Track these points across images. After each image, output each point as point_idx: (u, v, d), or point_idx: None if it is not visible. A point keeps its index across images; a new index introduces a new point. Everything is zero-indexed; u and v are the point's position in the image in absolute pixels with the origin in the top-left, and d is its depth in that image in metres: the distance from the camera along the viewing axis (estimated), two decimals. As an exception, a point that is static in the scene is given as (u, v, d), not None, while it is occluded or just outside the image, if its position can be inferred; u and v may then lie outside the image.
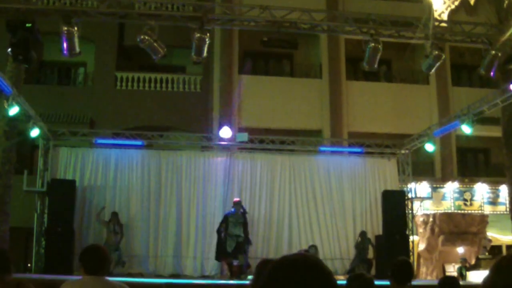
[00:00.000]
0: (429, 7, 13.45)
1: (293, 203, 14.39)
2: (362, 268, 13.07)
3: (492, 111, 12.08)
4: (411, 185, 14.92)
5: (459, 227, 16.00)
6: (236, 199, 13.01)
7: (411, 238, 14.28)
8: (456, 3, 17.83)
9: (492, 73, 9.72)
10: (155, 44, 8.97)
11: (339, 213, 14.49)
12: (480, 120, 12.20)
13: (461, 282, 6.11)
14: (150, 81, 18.08)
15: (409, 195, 14.71)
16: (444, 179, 18.10)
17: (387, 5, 17.68)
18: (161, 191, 14.03)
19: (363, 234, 13.79)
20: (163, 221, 13.87)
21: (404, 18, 10.34)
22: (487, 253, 15.11)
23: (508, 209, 16.84)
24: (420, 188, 16.22)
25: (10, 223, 12.17)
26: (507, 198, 16.59)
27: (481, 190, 17.89)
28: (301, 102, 18.03)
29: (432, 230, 16.12)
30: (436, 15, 15.95)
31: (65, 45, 8.73)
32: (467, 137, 13.73)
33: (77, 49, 8.87)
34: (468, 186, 17.96)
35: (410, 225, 14.53)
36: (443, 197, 17.65)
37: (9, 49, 8.49)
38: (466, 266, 14.58)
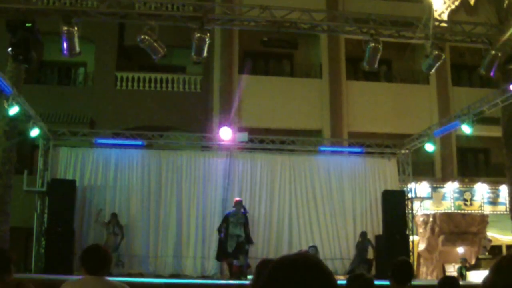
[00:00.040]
0: (429, 7, 13.46)
1: (293, 203, 14.39)
2: (362, 268, 13.06)
3: (492, 111, 12.08)
4: (411, 185, 14.92)
5: (459, 227, 16.00)
6: (237, 198, 12.98)
7: (411, 238, 14.28)
8: (456, 3, 17.83)
9: (492, 73, 9.72)
10: (155, 44, 8.97)
11: (339, 213, 14.49)
12: (480, 120, 12.20)
13: (461, 282, 6.12)
14: (150, 81, 18.08)
15: (409, 195, 14.71)
16: (444, 179, 18.10)
17: (387, 5, 17.68)
18: (161, 191, 14.03)
19: (363, 234, 13.79)
20: (163, 221, 13.87)
21: (404, 18, 10.34)
22: (487, 253, 15.11)
23: (508, 209, 16.84)
24: (420, 188, 16.22)
25: (10, 223, 12.17)
26: (507, 198, 16.59)
27: (481, 190, 17.89)
28: (301, 102, 18.03)
29: (432, 230, 16.12)
30: (436, 15, 15.96)
31: (65, 45, 8.73)
32: (467, 137, 13.73)
33: (77, 49, 8.87)
34: (468, 186, 17.96)
35: (410, 225, 14.53)
36: (443, 197, 17.65)
37: (9, 49, 8.49)
38: (466, 266, 14.58)
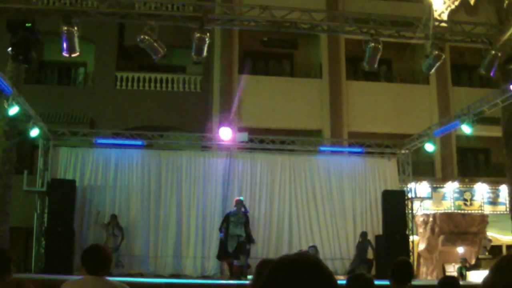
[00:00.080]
0: (429, 7, 13.46)
1: (293, 203, 14.38)
2: (362, 268, 13.06)
3: (492, 111, 12.08)
4: (411, 185, 14.92)
5: (459, 227, 15.99)
6: (238, 198, 12.98)
7: (411, 238, 14.28)
8: (456, 3, 17.83)
9: (492, 73, 9.72)
10: (155, 44, 8.97)
11: (339, 213, 14.49)
12: (480, 120, 12.20)
13: (461, 282, 6.11)
14: (150, 81, 18.08)
15: (409, 195, 14.71)
16: (444, 179, 18.10)
17: (387, 5, 17.68)
18: (161, 191, 14.03)
19: (363, 234, 13.79)
20: (163, 221, 13.87)
21: (404, 18, 10.34)
22: (487, 253, 15.11)
23: (508, 209, 16.84)
24: (420, 188, 16.22)
25: (10, 223, 12.16)
26: (507, 198, 16.59)
27: (481, 190, 17.89)
28: (301, 102, 18.03)
29: (432, 230, 16.11)
30: (436, 15, 15.96)
31: (65, 45, 8.73)
32: (467, 137, 13.73)
33: (77, 49, 8.87)
34: (468, 186, 17.96)
35: (410, 225, 14.53)
36: (443, 197, 17.65)
37: (9, 49, 8.49)
38: (466, 266, 14.58)
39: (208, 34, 8.96)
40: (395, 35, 10.04)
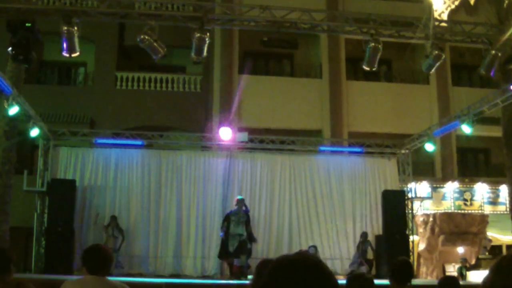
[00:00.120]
0: (429, 7, 13.45)
1: (293, 203, 14.39)
2: (362, 268, 13.07)
3: (492, 111, 12.08)
4: (411, 185, 14.92)
5: (459, 227, 15.98)
6: (239, 197, 12.97)
7: (411, 238, 14.28)
8: (456, 3, 17.82)
9: (492, 73, 9.72)
10: (155, 44, 8.97)
11: (339, 213, 14.49)
12: (480, 120, 12.20)
13: (461, 282, 6.11)
14: (150, 81, 18.08)
15: (409, 195, 14.71)
16: (444, 179, 18.10)
17: (387, 5, 17.68)
18: (161, 191, 14.03)
19: (364, 235, 13.80)
20: (163, 221, 13.87)
21: (404, 18, 10.34)
22: (487, 253, 15.11)
23: (508, 209, 16.84)
24: (420, 188, 16.22)
25: (10, 223, 12.17)
26: (507, 198, 16.59)
27: (481, 190, 17.89)
28: (301, 102, 18.02)
29: (432, 230, 16.10)
30: (436, 15, 15.94)
31: (65, 45, 8.73)
32: (467, 137, 13.73)
33: (77, 49, 8.87)
34: (468, 186, 17.96)
35: (410, 225, 14.53)
36: (443, 197, 17.65)
37: (9, 49, 8.49)
38: (466, 266, 14.58)
39: (208, 34, 8.96)
40: (395, 35, 10.04)
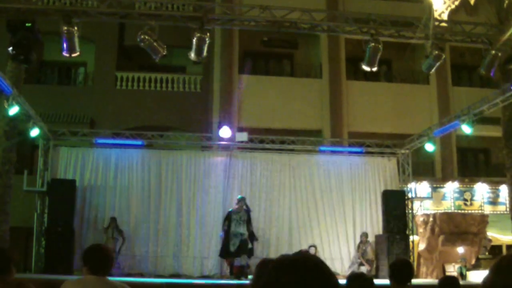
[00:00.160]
0: (429, 7, 13.45)
1: (293, 203, 14.39)
2: (362, 268, 13.07)
3: (492, 111, 12.08)
4: (411, 185, 14.92)
5: (459, 227, 15.97)
6: (239, 196, 12.96)
7: (411, 238, 14.29)
8: (456, 3, 17.81)
9: (492, 73, 9.72)
10: (155, 44, 8.97)
11: (339, 213, 14.49)
12: (480, 120, 12.20)
13: (461, 282, 6.11)
14: (150, 81, 18.07)
15: (409, 195, 14.71)
16: (444, 179, 18.09)
17: (387, 5, 17.68)
18: (161, 191, 14.04)
19: (364, 235, 13.80)
20: (163, 221, 13.87)
21: (404, 18, 10.34)
22: (487, 253, 15.11)
23: (508, 209, 16.83)
24: (420, 188, 16.21)
25: (10, 223, 12.17)
26: (507, 198, 16.59)
27: (481, 190, 17.88)
28: (301, 102, 18.02)
29: (432, 230, 16.09)
30: (436, 15, 15.93)
31: (65, 45, 8.74)
32: (467, 137, 13.74)
33: (77, 49, 8.88)
34: (468, 186, 17.95)
35: (410, 225, 14.53)
36: (443, 197, 17.64)
37: (9, 49, 8.49)
38: (466, 266, 14.58)
39: (208, 34, 8.96)
40: (395, 35, 10.04)
